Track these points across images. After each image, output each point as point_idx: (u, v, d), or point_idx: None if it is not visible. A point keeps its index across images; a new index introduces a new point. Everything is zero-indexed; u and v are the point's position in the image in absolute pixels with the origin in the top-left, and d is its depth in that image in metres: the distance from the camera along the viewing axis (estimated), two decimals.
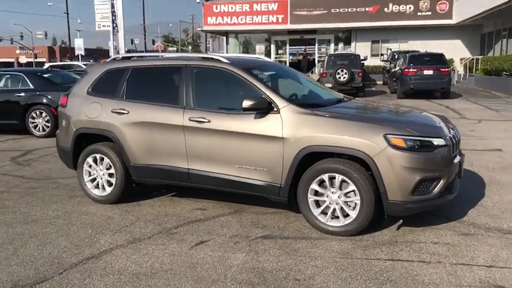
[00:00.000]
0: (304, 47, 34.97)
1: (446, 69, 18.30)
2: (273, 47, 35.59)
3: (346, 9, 32.37)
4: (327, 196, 4.32)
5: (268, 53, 35.42)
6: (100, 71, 5.57)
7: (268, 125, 4.46)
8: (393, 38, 33.40)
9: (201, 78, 5.00)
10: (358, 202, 4.16)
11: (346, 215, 4.26)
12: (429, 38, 31.69)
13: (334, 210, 4.30)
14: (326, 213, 4.35)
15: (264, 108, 4.45)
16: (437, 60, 18.67)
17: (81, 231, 4.58)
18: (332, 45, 34.85)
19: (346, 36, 34.61)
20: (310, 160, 4.36)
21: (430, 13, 31.47)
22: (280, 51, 35.74)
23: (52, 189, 6.13)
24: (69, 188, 6.19)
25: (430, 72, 18.13)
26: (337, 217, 4.30)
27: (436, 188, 4.15)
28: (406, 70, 18.42)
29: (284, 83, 5.37)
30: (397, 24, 31.87)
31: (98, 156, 5.40)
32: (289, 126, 4.37)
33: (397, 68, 20.21)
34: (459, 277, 3.45)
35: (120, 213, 5.09)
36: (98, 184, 5.48)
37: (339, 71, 19.70)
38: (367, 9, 32.20)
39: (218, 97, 4.99)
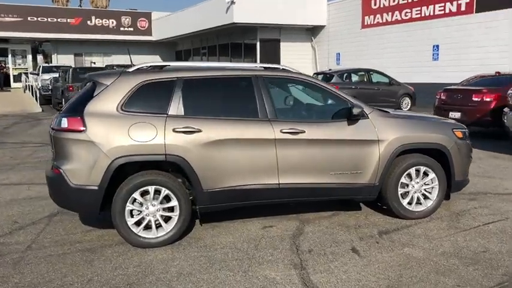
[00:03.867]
0: None
1: None
2: None
3: (46, 19, 30.04)
4: (412, 186, 5.06)
5: None
6: (131, 84, 4.41)
7: (362, 130, 4.83)
8: (97, 52, 33.13)
9: (276, 89, 4.80)
10: (437, 187, 5.10)
11: (425, 199, 5.13)
12: (132, 52, 32.90)
13: (417, 197, 5.10)
14: (410, 203, 5.08)
15: (361, 115, 4.80)
16: None
17: (223, 275, 3.77)
18: (30, 57, 31.61)
19: (46, 48, 32.04)
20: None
21: (132, 29, 32.79)
22: None
23: (45, 249, 4.34)
24: (61, 242, 4.52)
25: None
26: (420, 203, 5.11)
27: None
28: None
29: None
30: (101, 38, 31.79)
31: (151, 188, 4.32)
32: (380, 129, 4.87)
33: None
34: None
35: (207, 252, 4.30)
36: (147, 225, 4.37)
37: None
38: (69, 20, 30.78)
39: (299, 107, 4.91)
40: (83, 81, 19.15)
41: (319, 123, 4.80)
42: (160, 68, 4.67)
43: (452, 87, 11.52)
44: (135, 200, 4.32)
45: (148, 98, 4.45)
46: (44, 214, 5.48)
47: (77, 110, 4.32)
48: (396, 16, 20.31)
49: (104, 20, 31.89)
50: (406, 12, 19.80)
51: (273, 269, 3.88)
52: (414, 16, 19.44)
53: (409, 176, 5.03)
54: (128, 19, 32.59)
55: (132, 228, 4.32)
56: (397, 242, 4.46)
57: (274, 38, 24.78)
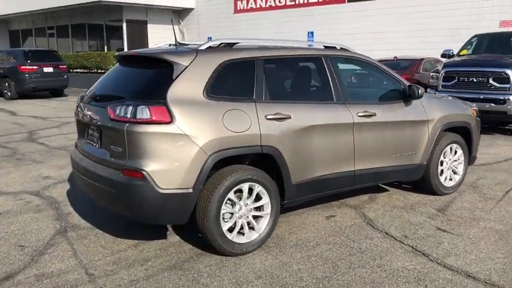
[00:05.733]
0: None
1: (64, 66, 17.78)
2: None
3: None
4: (446, 163, 5.29)
5: None
6: (214, 64, 3.68)
7: (416, 111, 4.85)
8: None
9: (341, 70, 4.50)
10: (463, 162, 5.43)
11: (454, 174, 5.41)
12: None
13: (449, 174, 5.35)
14: (445, 180, 5.30)
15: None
16: (52, 56, 17.75)
17: (365, 273, 3.45)
18: None
19: None
20: None
21: None
22: None
23: (116, 274, 3.39)
24: (124, 263, 3.59)
25: (50, 69, 17.10)
26: (451, 179, 5.38)
27: None
28: (23, 67, 16.52)
29: None
30: None
31: (246, 186, 3.71)
32: (428, 109, 4.95)
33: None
34: None
35: (309, 251, 3.88)
36: (239, 228, 3.76)
37: None
38: None
39: (361, 87, 4.69)
40: None
41: (383, 104, 4.68)
42: (230, 46, 3.99)
43: None
44: (229, 201, 3.66)
45: (233, 80, 3.80)
46: (47, 232, 4.31)
47: (155, 97, 3.45)
48: (270, 2, 20.87)
49: None
50: None
51: (401, 259, 3.68)
52: (289, 3, 20.23)
53: (444, 153, 5.25)
54: None
55: (236, 237, 3.67)
56: (465, 217, 4.63)
57: (141, 19, 23.33)
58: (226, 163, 3.71)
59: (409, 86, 4.76)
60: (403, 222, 4.49)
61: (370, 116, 4.44)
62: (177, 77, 3.51)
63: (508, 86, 8.54)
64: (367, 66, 4.77)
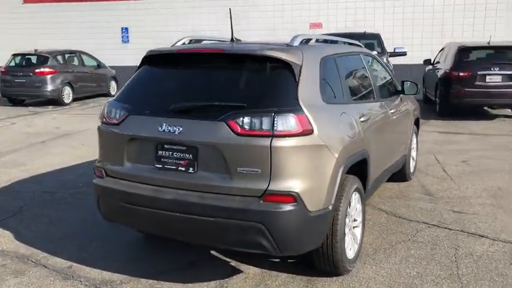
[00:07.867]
0: None
1: None
2: None
3: None
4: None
5: None
6: (317, 62, 3.23)
7: (406, 106, 5.13)
8: None
9: (371, 68, 4.45)
10: (416, 149, 6.03)
11: (412, 160, 5.94)
12: None
13: (411, 160, 5.86)
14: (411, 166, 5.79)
15: None
16: None
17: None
18: None
19: None
20: None
21: None
22: None
23: None
24: None
25: None
26: (410, 165, 5.89)
27: None
28: None
29: None
30: None
31: (354, 197, 3.39)
32: (408, 102, 5.32)
33: None
34: None
35: (403, 255, 3.83)
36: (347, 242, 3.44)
37: None
38: None
39: (379, 85, 4.67)
40: None
41: (393, 100, 4.75)
42: (306, 42, 3.53)
43: None
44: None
45: (329, 80, 3.40)
46: None
47: (284, 104, 2.84)
48: None
49: None
50: None
51: (473, 244, 3.90)
52: None
53: (411, 142, 5.71)
54: None
55: (347, 252, 3.30)
56: (454, 197, 5.12)
57: None
58: None
59: (402, 82, 5.03)
60: (421, 211, 4.73)
61: (395, 112, 4.56)
62: (299, 79, 2.96)
63: None
64: (376, 63, 4.84)
